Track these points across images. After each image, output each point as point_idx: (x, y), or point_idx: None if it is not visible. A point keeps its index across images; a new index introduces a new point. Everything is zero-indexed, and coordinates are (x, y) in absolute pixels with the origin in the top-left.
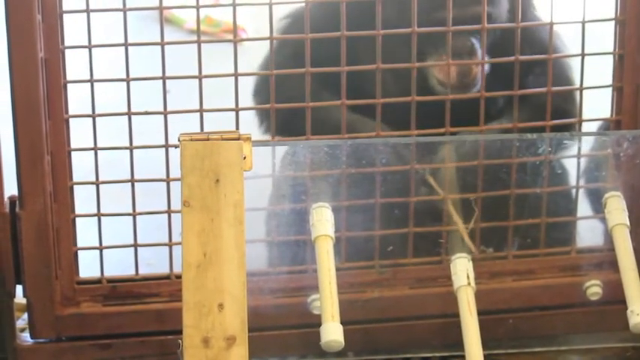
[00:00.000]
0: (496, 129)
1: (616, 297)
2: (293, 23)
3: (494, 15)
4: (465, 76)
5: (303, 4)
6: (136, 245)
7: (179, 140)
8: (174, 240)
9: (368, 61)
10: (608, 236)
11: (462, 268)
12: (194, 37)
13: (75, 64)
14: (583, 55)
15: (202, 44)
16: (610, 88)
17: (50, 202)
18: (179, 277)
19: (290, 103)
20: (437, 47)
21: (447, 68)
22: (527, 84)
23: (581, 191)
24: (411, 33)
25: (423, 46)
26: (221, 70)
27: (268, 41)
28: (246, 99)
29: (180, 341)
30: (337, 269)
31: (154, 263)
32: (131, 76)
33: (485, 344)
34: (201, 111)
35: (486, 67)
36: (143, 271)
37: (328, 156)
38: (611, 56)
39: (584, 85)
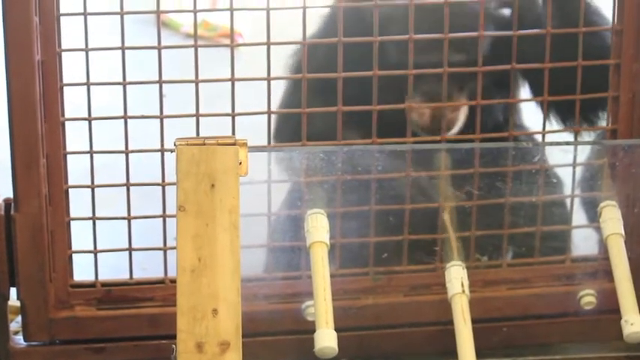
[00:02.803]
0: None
1: (610, 306)
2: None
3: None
4: (439, 120)
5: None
6: (130, 249)
7: (175, 145)
8: (168, 244)
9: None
10: (603, 245)
11: (456, 276)
12: (191, 42)
13: (71, 67)
14: (579, 64)
15: (199, 48)
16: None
17: (45, 205)
18: (173, 281)
19: (314, 139)
20: (414, 90)
21: (421, 111)
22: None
23: (576, 200)
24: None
25: (403, 86)
26: (218, 75)
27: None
28: (243, 104)
29: (174, 346)
30: (332, 276)
31: (148, 268)
32: (128, 79)
33: (479, 352)
34: (197, 116)
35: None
36: (137, 275)
37: (324, 162)
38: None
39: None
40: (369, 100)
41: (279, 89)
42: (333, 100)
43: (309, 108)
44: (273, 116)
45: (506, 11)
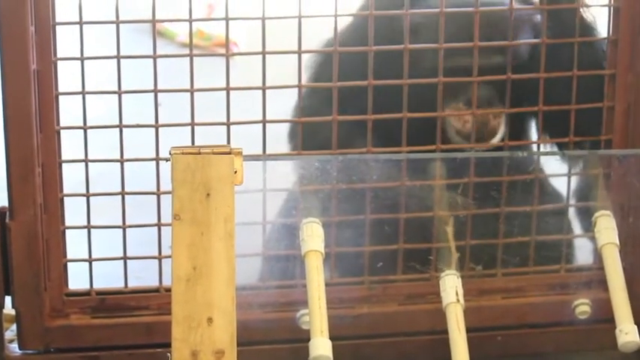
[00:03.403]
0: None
1: (605, 316)
2: (324, 66)
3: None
4: (483, 126)
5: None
6: (125, 258)
7: (170, 153)
8: (164, 253)
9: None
10: (598, 255)
11: (451, 285)
12: (186, 51)
13: (67, 76)
14: (574, 74)
15: (194, 58)
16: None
17: (40, 214)
18: (168, 290)
19: (322, 148)
20: (455, 96)
21: (464, 118)
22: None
23: (571, 210)
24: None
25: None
26: (213, 84)
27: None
28: (238, 113)
29: (169, 354)
30: (326, 284)
31: (143, 276)
32: (123, 88)
33: None
34: (192, 124)
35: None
36: (132, 284)
37: (319, 171)
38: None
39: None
40: (392, 108)
41: (275, 98)
42: (352, 108)
43: (324, 116)
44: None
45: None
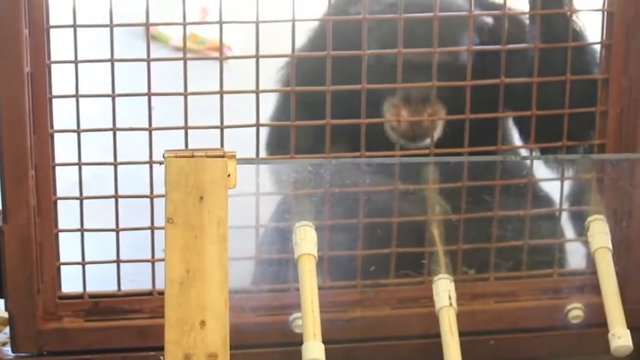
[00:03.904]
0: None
1: (598, 320)
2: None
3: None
4: (417, 125)
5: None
6: (118, 261)
7: (163, 157)
8: (157, 256)
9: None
10: (591, 259)
11: (443, 289)
12: (180, 54)
13: (61, 80)
14: (567, 78)
15: (188, 61)
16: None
17: (34, 217)
18: (161, 293)
19: (302, 153)
20: (393, 93)
21: (399, 115)
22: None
23: (564, 214)
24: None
25: (380, 90)
26: (206, 88)
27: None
28: (231, 117)
29: (161, 357)
30: (319, 288)
31: (136, 279)
32: (117, 91)
33: None
34: (185, 128)
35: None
36: (126, 287)
37: (312, 175)
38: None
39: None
40: (352, 111)
41: (268, 102)
42: (319, 113)
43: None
44: (264, 130)
45: (490, 20)
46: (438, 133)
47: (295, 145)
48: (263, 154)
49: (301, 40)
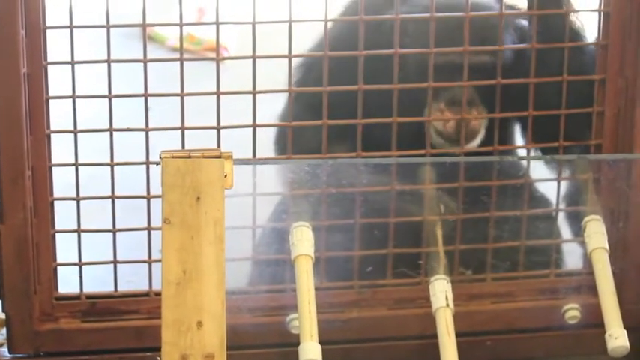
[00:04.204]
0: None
1: (594, 320)
2: (308, 72)
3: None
4: (463, 127)
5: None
6: (115, 262)
7: (160, 157)
8: (153, 257)
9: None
10: (587, 260)
11: (440, 290)
12: (176, 55)
13: (57, 80)
14: (564, 78)
15: (185, 62)
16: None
17: (30, 217)
18: (158, 294)
19: (307, 154)
20: (435, 95)
21: (445, 119)
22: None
23: (560, 215)
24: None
25: (422, 94)
26: (203, 89)
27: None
28: (228, 117)
29: (158, 358)
30: (316, 289)
31: (133, 280)
32: (113, 92)
33: None
34: (182, 129)
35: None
36: (122, 287)
37: (309, 175)
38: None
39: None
40: (379, 111)
41: (266, 102)
42: (333, 113)
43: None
44: (269, 128)
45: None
46: (481, 136)
47: (307, 144)
48: (272, 150)
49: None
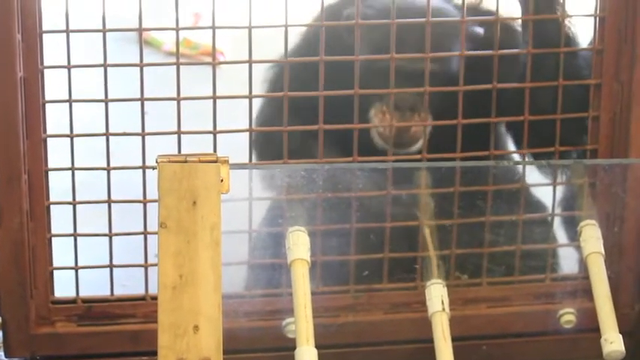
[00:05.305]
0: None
1: (590, 325)
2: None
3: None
4: (404, 132)
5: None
6: (111, 266)
7: (157, 162)
8: (150, 261)
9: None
10: (583, 264)
11: (436, 294)
12: (172, 59)
13: (54, 84)
14: (560, 83)
15: (181, 66)
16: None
17: (27, 222)
18: (154, 298)
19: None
20: (381, 98)
21: (387, 122)
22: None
23: (556, 219)
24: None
25: (368, 97)
26: (199, 93)
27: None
28: (224, 122)
29: None
30: (312, 293)
31: (129, 284)
32: (110, 96)
33: None
34: (179, 133)
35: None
36: (118, 291)
37: (305, 180)
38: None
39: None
40: (340, 116)
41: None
42: (306, 115)
43: (283, 125)
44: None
45: (481, 30)
46: (422, 142)
47: (283, 145)
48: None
49: (292, 41)
